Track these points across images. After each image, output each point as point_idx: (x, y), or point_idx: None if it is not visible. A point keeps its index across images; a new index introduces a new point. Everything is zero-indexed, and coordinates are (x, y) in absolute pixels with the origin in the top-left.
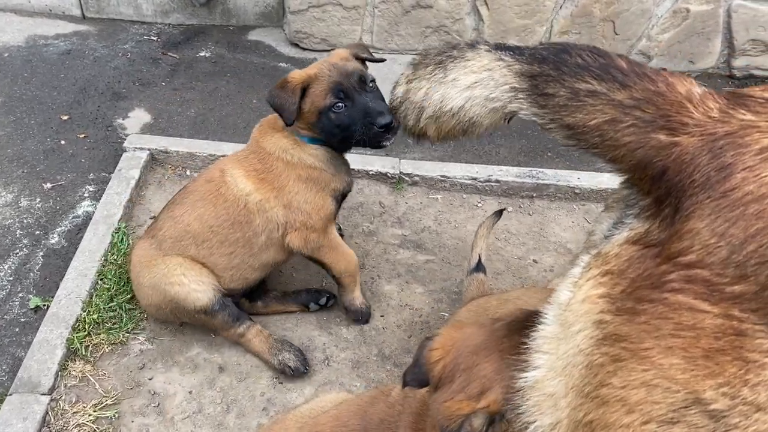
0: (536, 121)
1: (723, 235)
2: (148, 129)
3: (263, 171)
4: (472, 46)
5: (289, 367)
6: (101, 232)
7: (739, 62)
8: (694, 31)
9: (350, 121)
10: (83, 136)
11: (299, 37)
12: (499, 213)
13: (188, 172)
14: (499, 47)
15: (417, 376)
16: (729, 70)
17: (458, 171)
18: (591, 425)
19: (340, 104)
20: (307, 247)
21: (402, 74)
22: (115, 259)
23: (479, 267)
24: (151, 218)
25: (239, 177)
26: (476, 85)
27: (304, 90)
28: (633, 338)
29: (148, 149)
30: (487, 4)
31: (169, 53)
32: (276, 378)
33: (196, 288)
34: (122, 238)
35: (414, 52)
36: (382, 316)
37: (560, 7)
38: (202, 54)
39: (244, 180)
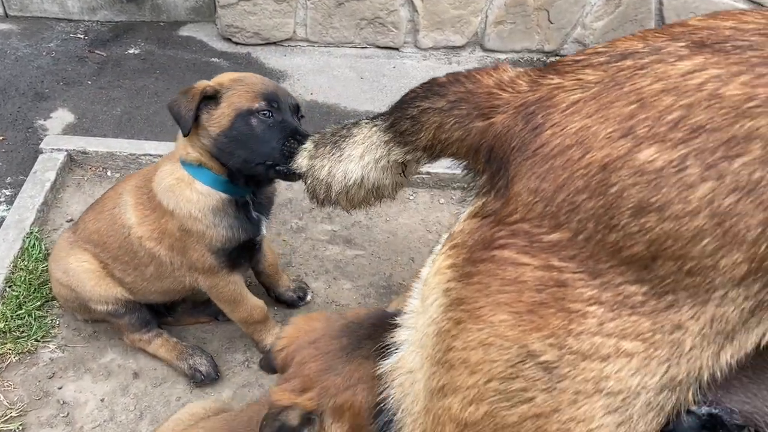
0: (410, 159)
1: (537, 190)
2: (70, 129)
3: (148, 207)
4: (356, 123)
5: (200, 371)
6: (11, 238)
7: None
8: (627, 18)
9: (271, 136)
10: (1, 138)
11: (231, 32)
12: None
13: (109, 173)
14: (376, 116)
15: (267, 362)
16: None
17: None
18: (443, 390)
19: (268, 113)
20: (199, 285)
21: (304, 148)
22: (25, 265)
23: None
24: (68, 221)
25: (129, 206)
26: (365, 154)
27: (212, 97)
28: (469, 300)
29: (66, 150)
30: None
31: (96, 51)
32: (194, 381)
33: (98, 288)
34: (34, 243)
35: (350, 45)
36: (307, 314)
37: None
38: (131, 51)
39: (131, 211)
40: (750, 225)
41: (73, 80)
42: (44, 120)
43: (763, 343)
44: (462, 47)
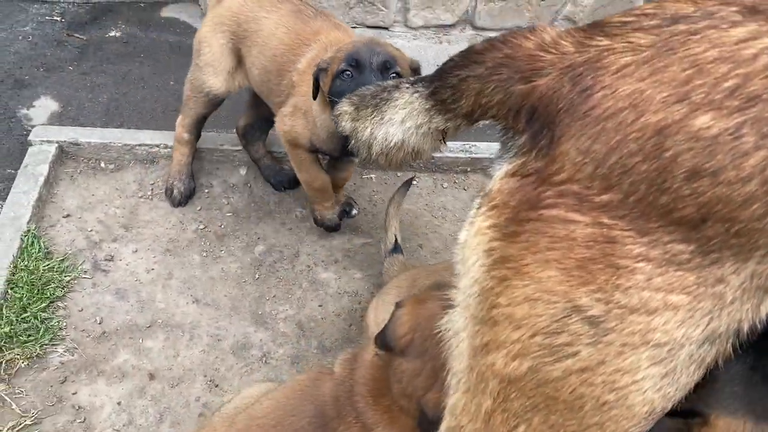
0: (450, 126)
1: (587, 151)
2: (56, 119)
3: (308, 71)
4: (397, 86)
5: (171, 192)
6: (8, 237)
7: None
8: None
9: (346, 90)
10: None
11: None
12: (407, 183)
13: (102, 164)
14: (416, 81)
15: (384, 342)
16: None
17: None
18: (487, 347)
19: (348, 73)
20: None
21: (344, 110)
22: (25, 266)
23: (397, 248)
24: (65, 217)
25: (309, 52)
26: (406, 119)
27: (326, 69)
28: (515, 257)
29: (57, 142)
30: None
31: (75, 34)
32: (211, 381)
33: (219, 74)
34: (33, 242)
35: None
36: (320, 305)
37: None
38: (112, 34)
39: (306, 59)
40: None
41: (53, 66)
42: (27, 109)
43: None
44: (452, 26)
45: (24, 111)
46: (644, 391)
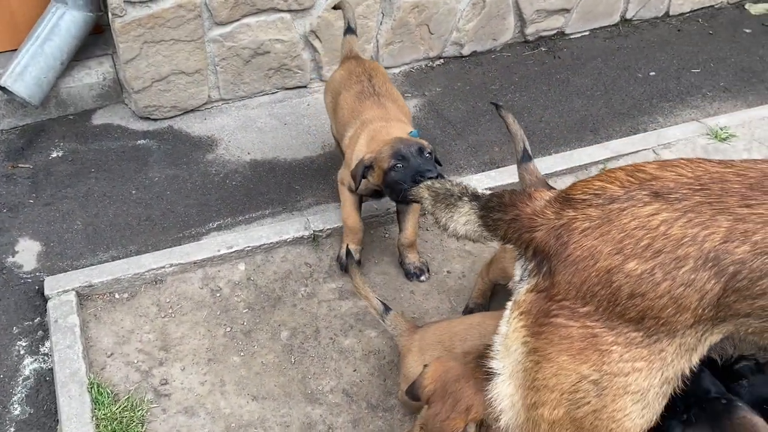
0: (491, 237)
1: (570, 282)
2: (44, 257)
3: (353, 139)
4: (460, 197)
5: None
6: (76, 392)
7: (530, 30)
8: (491, 16)
9: (404, 178)
10: None
11: (149, 111)
12: (349, 255)
13: (117, 296)
14: (473, 198)
15: (413, 394)
16: (524, 37)
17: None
18: (536, 405)
19: (399, 165)
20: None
21: (424, 197)
22: (104, 415)
23: (387, 308)
24: (109, 356)
25: (353, 126)
26: (466, 224)
27: (371, 165)
28: (541, 348)
29: (72, 289)
30: (319, 38)
31: (18, 164)
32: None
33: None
34: (99, 390)
35: (262, 93)
36: (354, 370)
37: (380, 24)
38: (55, 155)
39: (352, 129)
40: (691, 301)
41: (13, 204)
42: (12, 256)
43: (711, 346)
44: None
45: (10, 259)
46: (633, 419)
